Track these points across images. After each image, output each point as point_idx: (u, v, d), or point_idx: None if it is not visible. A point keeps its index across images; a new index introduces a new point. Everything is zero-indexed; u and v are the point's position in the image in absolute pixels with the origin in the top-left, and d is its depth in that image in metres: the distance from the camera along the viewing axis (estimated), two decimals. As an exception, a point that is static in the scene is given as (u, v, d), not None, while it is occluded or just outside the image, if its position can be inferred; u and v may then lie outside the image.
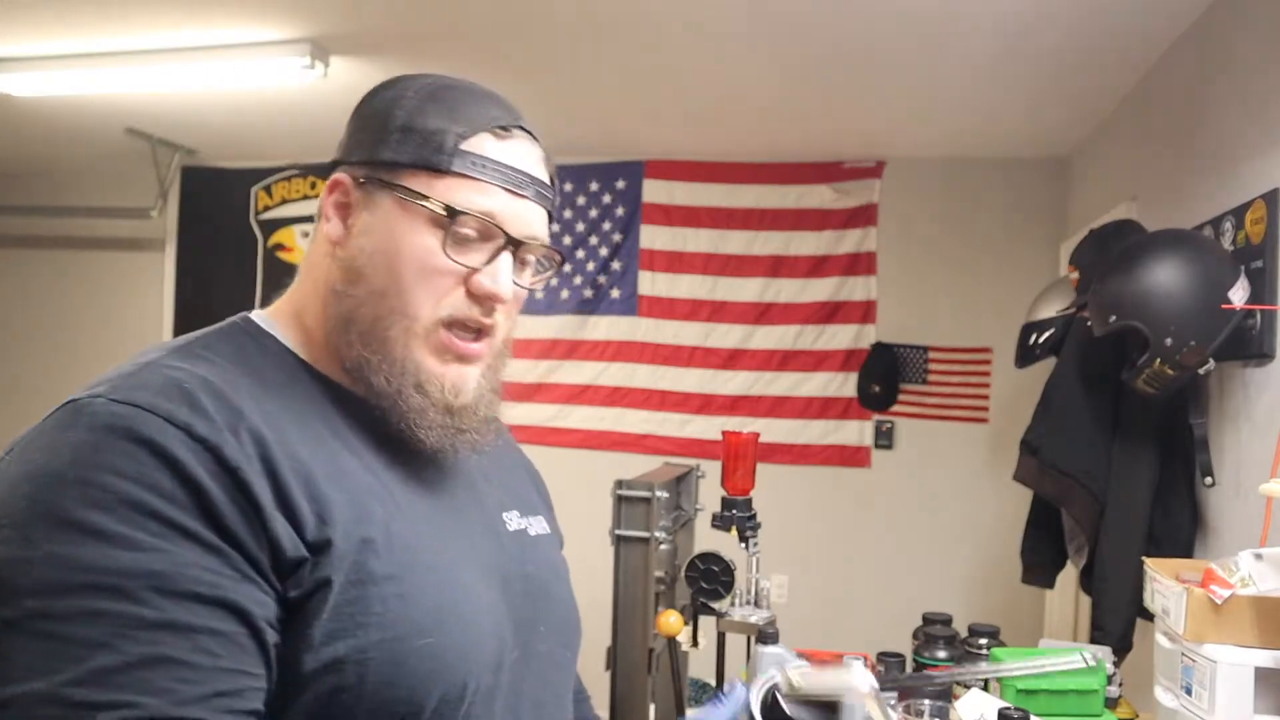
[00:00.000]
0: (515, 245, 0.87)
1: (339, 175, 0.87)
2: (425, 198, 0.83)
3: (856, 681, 0.69)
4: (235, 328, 0.88)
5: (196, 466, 0.70)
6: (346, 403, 0.86)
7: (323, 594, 0.73)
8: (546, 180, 0.91)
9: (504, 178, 0.86)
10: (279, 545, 0.72)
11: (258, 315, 0.90)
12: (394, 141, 0.84)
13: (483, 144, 0.85)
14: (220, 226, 4.65)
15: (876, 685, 0.72)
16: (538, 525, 1.01)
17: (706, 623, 1.91)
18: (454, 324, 0.86)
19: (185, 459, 0.70)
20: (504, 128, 0.87)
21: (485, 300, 0.86)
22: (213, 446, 0.71)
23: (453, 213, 0.83)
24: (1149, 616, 1.60)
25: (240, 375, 0.80)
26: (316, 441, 0.80)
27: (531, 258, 0.91)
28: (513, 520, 0.97)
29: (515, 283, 0.89)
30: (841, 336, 3.96)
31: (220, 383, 0.76)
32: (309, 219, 4.48)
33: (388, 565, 0.76)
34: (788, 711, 0.68)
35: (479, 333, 0.88)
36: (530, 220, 0.88)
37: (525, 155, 0.88)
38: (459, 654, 0.79)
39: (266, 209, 4.62)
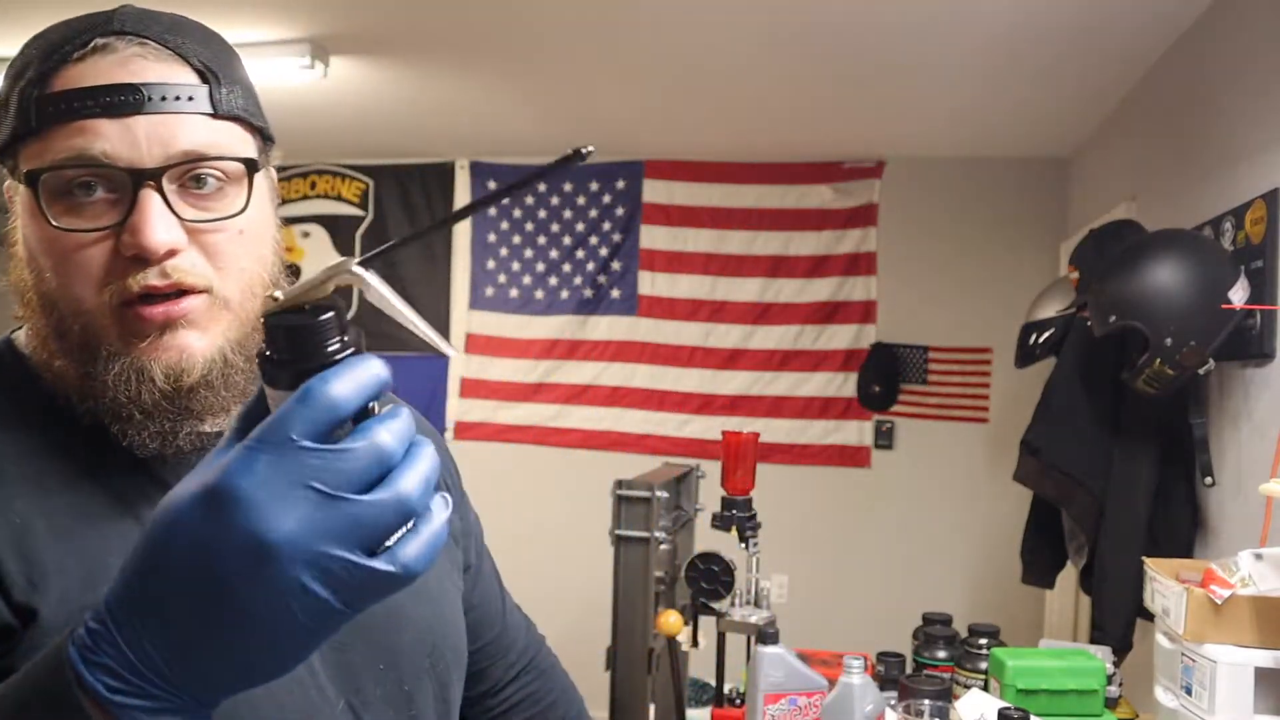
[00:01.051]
0: (150, 176, 0.67)
1: None
2: (26, 175, 0.68)
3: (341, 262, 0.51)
4: None
5: None
6: (89, 429, 0.71)
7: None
8: (175, 77, 0.70)
9: (90, 104, 0.67)
10: None
11: (22, 337, 0.76)
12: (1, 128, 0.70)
13: (65, 79, 0.68)
14: (220, 226, 4.65)
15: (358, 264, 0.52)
16: None
17: (706, 623, 1.91)
18: (132, 302, 0.68)
19: None
20: (79, 45, 0.69)
21: (144, 258, 0.67)
22: None
23: (32, 178, 0.67)
24: (1149, 616, 1.60)
25: None
26: (57, 489, 0.68)
27: (206, 175, 0.70)
28: None
29: (192, 220, 0.69)
30: (841, 336, 3.96)
31: None
32: (309, 219, 4.48)
33: None
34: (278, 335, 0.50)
35: (183, 294, 0.69)
36: (158, 136, 0.68)
37: (125, 63, 0.68)
38: None
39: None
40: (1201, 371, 1.84)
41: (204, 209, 0.70)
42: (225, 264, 0.71)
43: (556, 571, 3.89)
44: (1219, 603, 1.34)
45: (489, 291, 4.31)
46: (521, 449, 4.26)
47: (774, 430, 3.95)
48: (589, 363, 4.22)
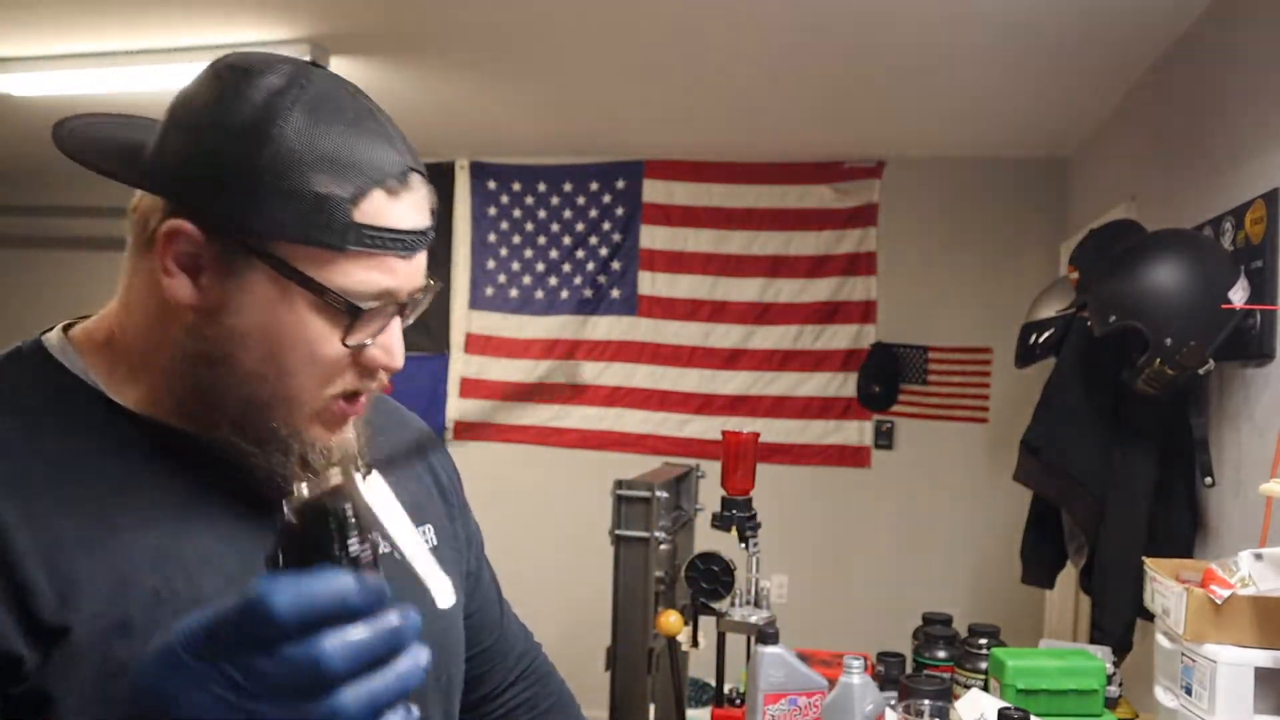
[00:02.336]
0: (403, 309, 0.76)
1: (181, 224, 0.70)
2: (322, 289, 0.70)
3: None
4: (19, 357, 0.78)
5: None
6: (162, 438, 0.75)
7: (45, 695, 0.64)
8: (432, 216, 0.78)
9: (400, 244, 0.73)
10: None
11: (53, 338, 0.79)
12: (266, 205, 0.68)
13: (378, 208, 0.71)
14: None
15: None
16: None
17: (706, 623, 1.91)
18: (342, 396, 0.76)
19: None
20: (399, 178, 0.72)
21: (384, 371, 0.77)
22: None
23: (356, 311, 0.72)
24: (1149, 616, 1.60)
25: (1, 427, 0.71)
26: (88, 498, 0.70)
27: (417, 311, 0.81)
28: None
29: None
30: (841, 336, 3.96)
31: None
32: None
33: (146, 646, 0.65)
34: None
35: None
36: (419, 271, 0.77)
37: (420, 205, 0.75)
38: None
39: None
40: (1201, 371, 1.84)
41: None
42: None
43: (556, 571, 3.89)
44: (1219, 603, 1.34)
45: (489, 291, 4.30)
46: (521, 449, 4.26)
47: (774, 430, 3.95)
48: (589, 363, 4.21)
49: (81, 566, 0.67)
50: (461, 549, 0.98)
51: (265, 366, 0.72)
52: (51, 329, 0.80)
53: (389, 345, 0.76)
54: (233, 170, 0.69)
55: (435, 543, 0.92)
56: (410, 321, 0.79)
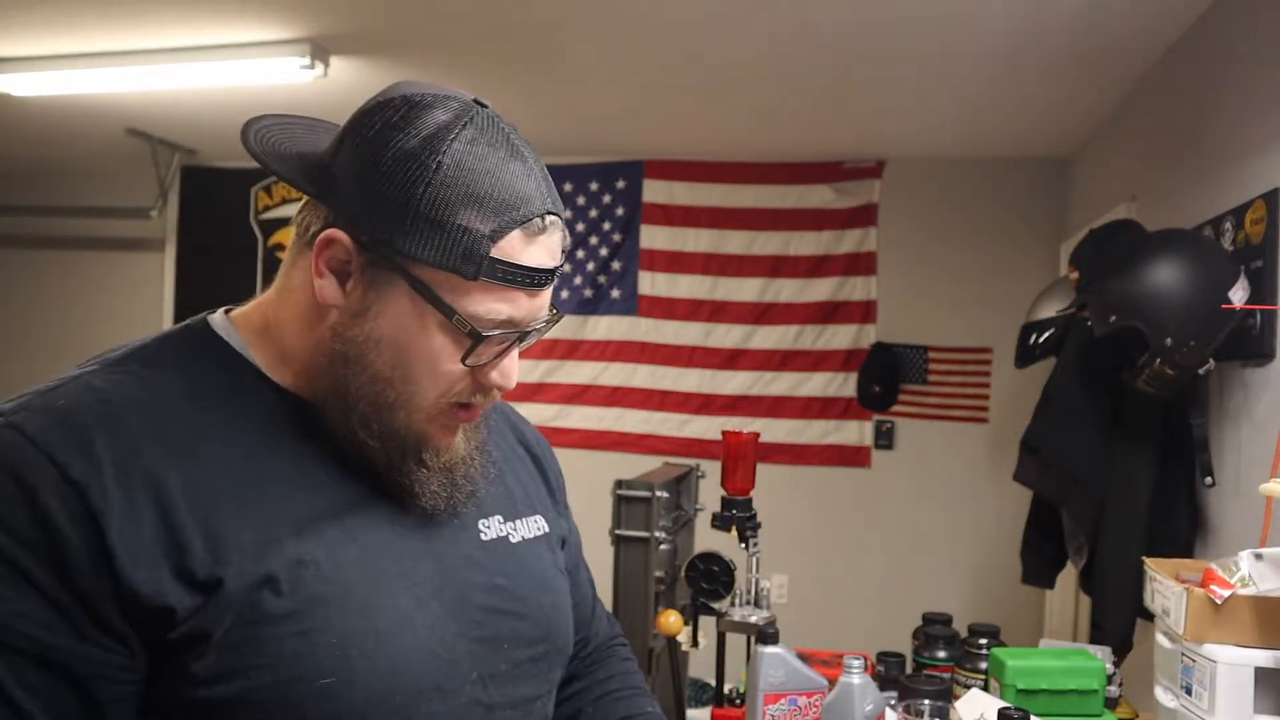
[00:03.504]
0: (523, 338, 0.85)
1: (337, 233, 0.79)
2: (451, 312, 0.79)
3: None
4: (189, 332, 0.86)
5: (60, 513, 0.69)
6: (308, 417, 0.83)
7: (203, 636, 0.72)
8: (563, 255, 0.86)
9: (529, 281, 0.81)
10: (136, 595, 0.70)
11: (218, 319, 0.88)
12: (414, 230, 0.77)
13: (513, 246, 0.79)
14: (220, 227, 4.66)
15: None
16: (525, 528, 0.97)
17: (706, 623, 1.91)
18: (458, 406, 0.85)
19: (50, 504, 0.69)
20: (537, 220, 0.80)
21: (498, 391, 0.86)
22: (83, 489, 0.70)
23: (478, 336, 0.80)
24: (1149, 616, 1.60)
25: (173, 392, 0.79)
26: (243, 462, 0.78)
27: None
28: (491, 528, 0.93)
29: None
30: (841, 336, 3.96)
31: (129, 410, 0.75)
32: (309, 219, 4.48)
33: (291, 602, 0.75)
34: None
35: None
36: (543, 304, 0.85)
37: (553, 247, 0.83)
38: (373, 690, 0.77)
39: (267, 209, 4.62)
40: (1201, 371, 1.84)
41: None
42: None
43: (556, 571, 3.88)
44: (1219, 603, 1.34)
45: (489, 291, 4.30)
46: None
47: (774, 430, 3.95)
48: (589, 363, 4.22)
49: (233, 527, 0.75)
50: (566, 539, 1.07)
51: (393, 371, 0.81)
52: (214, 311, 0.89)
53: (505, 369, 0.85)
54: (391, 194, 0.77)
55: (546, 530, 1.00)
56: (527, 346, 0.87)
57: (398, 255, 0.78)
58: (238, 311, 0.89)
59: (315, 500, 0.80)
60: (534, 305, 0.83)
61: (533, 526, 0.98)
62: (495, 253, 0.78)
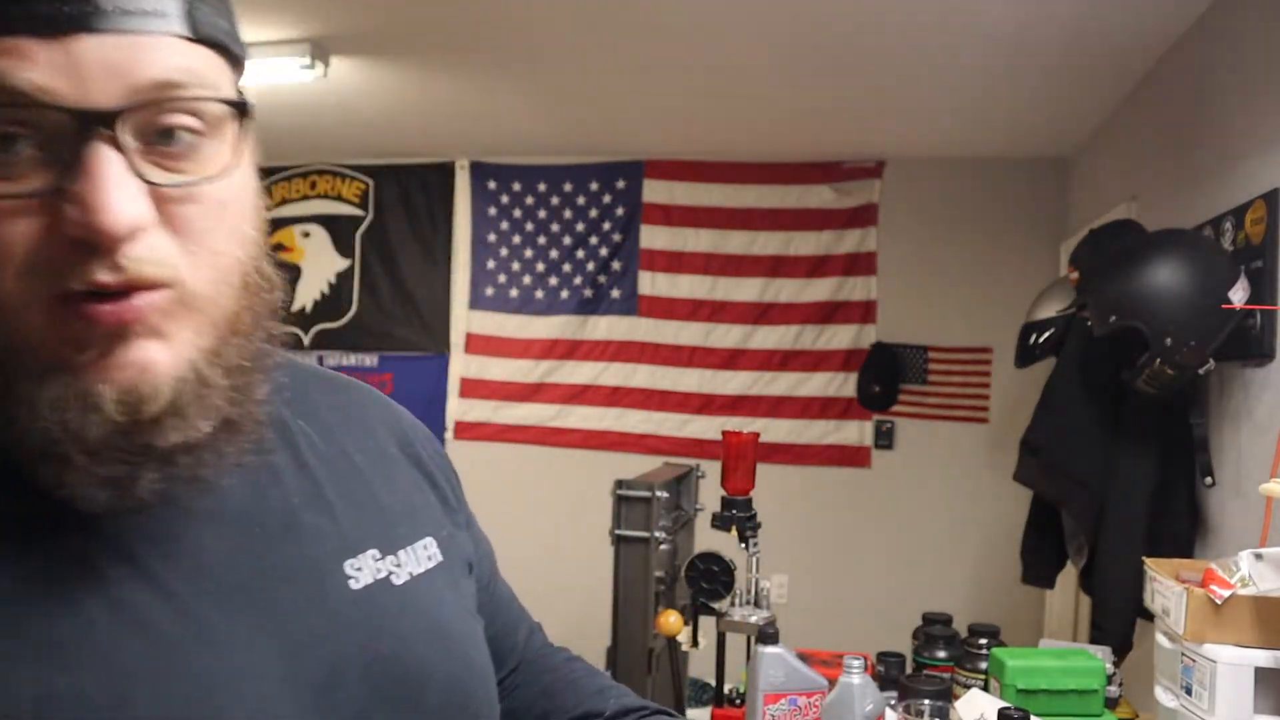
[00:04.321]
0: (103, 121, 0.47)
1: None
2: None
3: None
4: None
5: None
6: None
7: None
8: None
9: (18, 14, 0.45)
10: None
11: None
12: None
13: None
14: (220, 226, 4.65)
15: None
16: (412, 560, 0.68)
17: (706, 623, 1.91)
18: (72, 299, 0.48)
19: None
20: None
21: (94, 243, 0.47)
22: None
23: None
24: (1149, 616, 1.60)
25: None
26: None
27: (172, 121, 0.50)
28: (364, 569, 0.63)
29: (155, 181, 0.49)
30: (841, 336, 3.96)
31: None
32: (309, 219, 4.48)
33: None
34: None
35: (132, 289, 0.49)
36: (114, 64, 0.47)
37: None
38: None
39: (266, 209, 4.61)
40: (1201, 371, 1.84)
41: (176, 169, 0.50)
42: (198, 247, 0.51)
43: (556, 571, 3.88)
44: (1219, 603, 1.34)
45: (489, 291, 4.31)
46: (521, 449, 4.26)
47: (774, 430, 3.95)
48: (589, 363, 4.22)
49: None
50: (473, 565, 0.78)
51: None
52: None
53: (84, 192, 0.46)
54: None
55: (441, 558, 0.71)
56: (210, 158, 0.52)
57: None
58: None
59: (65, 606, 0.50)
60: (76, 59, 0.46)
61: (422, 556, 0.69)
62: None
